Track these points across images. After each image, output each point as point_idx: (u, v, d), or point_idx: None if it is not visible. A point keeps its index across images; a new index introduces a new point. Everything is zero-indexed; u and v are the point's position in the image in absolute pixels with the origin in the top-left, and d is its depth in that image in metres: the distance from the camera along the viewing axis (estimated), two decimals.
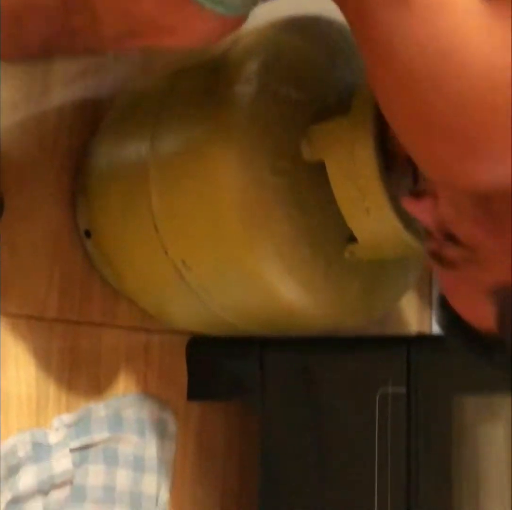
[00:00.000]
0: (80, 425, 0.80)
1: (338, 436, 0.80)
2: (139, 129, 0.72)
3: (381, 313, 0.75)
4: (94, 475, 0.81)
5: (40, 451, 0.76)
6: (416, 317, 1.05)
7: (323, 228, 0.66)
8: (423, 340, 0.78)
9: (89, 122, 0.83)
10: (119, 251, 0.76)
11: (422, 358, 0.76)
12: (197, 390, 0.92)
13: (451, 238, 0.50)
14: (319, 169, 0.64)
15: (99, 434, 0.81)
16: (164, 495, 0.87)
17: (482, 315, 0.52)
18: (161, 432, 0.88)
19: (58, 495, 0.77)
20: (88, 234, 0.80)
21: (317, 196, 0.65)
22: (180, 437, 0.91)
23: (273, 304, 0.68)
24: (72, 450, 0.78)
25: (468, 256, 0.50)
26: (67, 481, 0.78)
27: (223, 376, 0.91)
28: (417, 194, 0.53)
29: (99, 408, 0.82)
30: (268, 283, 0.66)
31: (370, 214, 0.62)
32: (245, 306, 0.71)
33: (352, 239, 0.67)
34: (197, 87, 0.67)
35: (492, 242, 0.49)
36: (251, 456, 0.91)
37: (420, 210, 0.53)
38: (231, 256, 0.66)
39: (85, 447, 0.80)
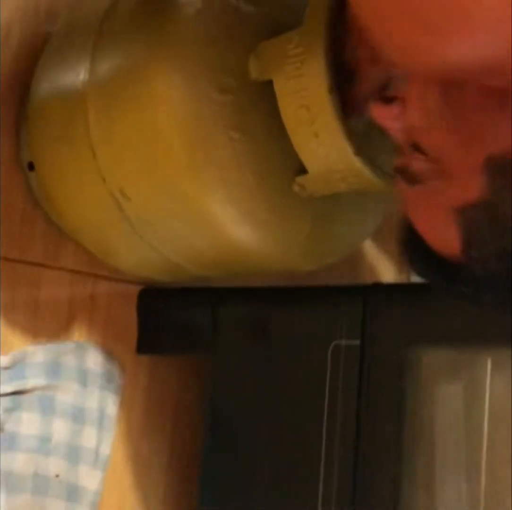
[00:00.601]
0: (14, 369, 0.75)
1: (289, 390, 0.75)
2: (79, 51, 0.67)
3: (335, 258, 0.70)
4: (28, 423, 0.76)
5: None
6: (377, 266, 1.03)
7: (270, 156, 0.61)
8: (379, 290, 0.73)
9: (37, 50, 0.78)
10: (58, 183, 0.71)
11: (378, 309, 0.71)
12: (147, 343, 0.88)
13: (418, 149, 0.45)
14: (268, 90, 0.59)
15: (35, 380, 0.76)
16: (105, 450, 0.82)
17: (447, 239, 0.47)
18: (105, 384, 0.83)
19: None
20: (31, 166, 0.75)
21: (265, 121, 0.60)
22: (127, 392, 0.86)
23: (215, 237, 0.63)
24: (3, 395, 0.73)
25: (435, 170, 0.46)
26: None
27: (174, 328, 0.86)
28: (386, 100, 0.48)
29: (36, 352, 0.77)
30: (208, 213, 0.61)
31: (319, 137, 0.57)
32: (187, 241, 0.66)
33: (302, 172, 0.62)
34: (140, 2, 0.62)
35: (461, 153, 0.44)
36: (203, 415, 0.86)
37: (389, 117, 0.48)
38: (169, 181, 0.61)
39: (18, 393, 0.75)
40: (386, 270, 1.12)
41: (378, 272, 1.11)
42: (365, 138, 0.64)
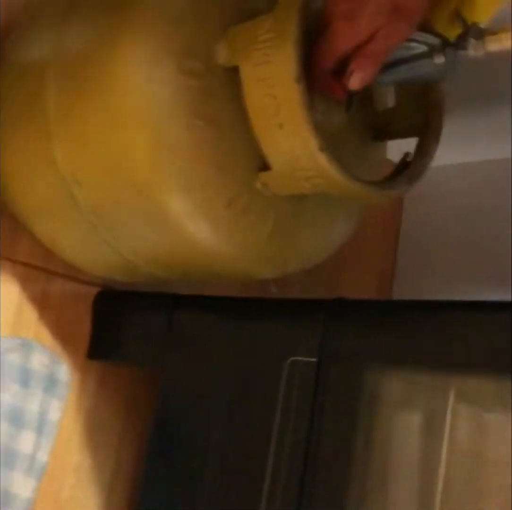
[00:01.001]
0: None
1: (241, 404, 0.70)
2: (45, 29, 0.64)
3: (299, 266, 0.66)
4: None
5: None
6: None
7: (234, 148, 0.57)
8: (342, 306, 0.69)
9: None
10: (13, 166, 0.67)
11: (339, 327, 0.67)
12: (99, 349, 0.83)
13: None
14: (236, 78, 0.56)
15: None
16: (43, 458, 0.77)
17: None
18: (50, 387, 0.78)
19: None
20: None
21: (231, 110, 0.57)
22: (73, 398, 0.81)
23: (168, 231, 0.59)
24: None
25: None
26: None
27: (129, 335, 0.81)
28: None
29: None
30: (161, 203, 0.57)
31: (284, 129, 0.54)
32: (139, 235, 0.62)
33: (267, 168, 0.58)
34: None
35: None
36: None
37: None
38: (123, 167, 0.57)
39: None
40: (367, 286, 1.10)
41: (359, 287, 1.08)
42: (336, 141, 0.61)
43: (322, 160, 0.54)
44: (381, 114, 0.67)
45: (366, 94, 0.67)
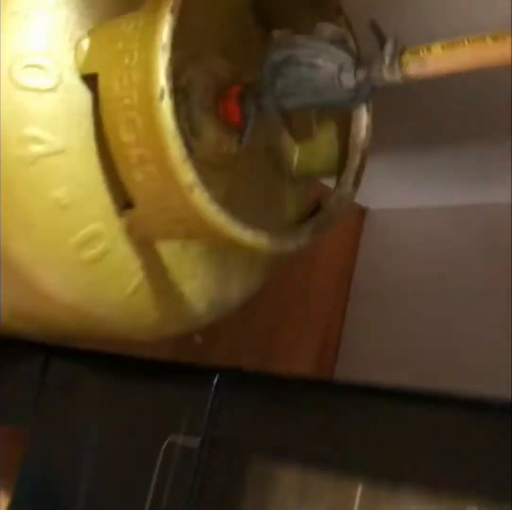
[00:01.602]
0: None
1: (108, 482, 0.58)
2: None
3: (183, 328, 0.54)
4: None
5: None
6: None
7: (89, 178, 0.45)
8: (238, 378, 0.56)
9: None
10: None
11: (231, 403, 0.55)
12: None
13: None
14: (95, 88, 0.44)
15: None
16: None
17: None
18: None
19: None
20: None
21: (87, 129, 0.44)
22: None
23: (15, 275, 0.46)
24: None
25: None
26: None
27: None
28: None
29: None
30: (1, 242, 0.45)
31: (144, 157, 0.41)
32: None
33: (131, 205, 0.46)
34: None
35: None
36: None
37: None
38: None
39: None
40: (305, 359, 0.97)
41: (296, 358, 0.96)
42: (234, 177, 0.49)
43: (194, 199, 0.42)
44: (300, 149, 0.56)
45: (285, 123, 0.55)
